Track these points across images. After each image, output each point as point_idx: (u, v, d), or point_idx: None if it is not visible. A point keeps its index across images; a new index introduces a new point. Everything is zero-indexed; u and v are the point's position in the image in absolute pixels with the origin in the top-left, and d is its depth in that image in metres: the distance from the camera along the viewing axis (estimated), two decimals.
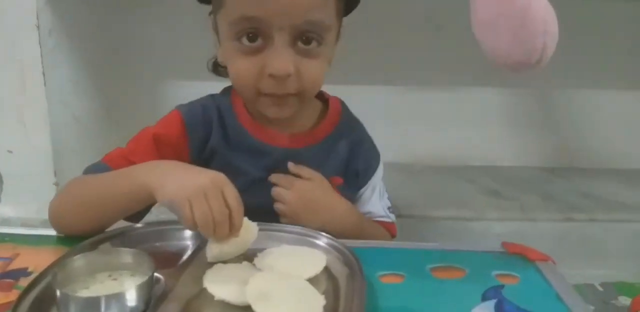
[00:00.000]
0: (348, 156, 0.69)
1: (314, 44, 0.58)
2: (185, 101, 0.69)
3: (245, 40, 0.57)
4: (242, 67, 0.59)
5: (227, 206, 0.49)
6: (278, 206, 0.65)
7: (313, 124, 0.69)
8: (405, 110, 1.32)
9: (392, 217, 0.74)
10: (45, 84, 0.97)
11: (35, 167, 0.99)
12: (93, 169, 0.63)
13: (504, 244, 0.59)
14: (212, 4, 0.62)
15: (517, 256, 0.57)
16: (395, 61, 1.28)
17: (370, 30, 1.26)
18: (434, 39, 1.27)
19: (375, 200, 0.73)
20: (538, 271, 0.55)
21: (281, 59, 0.56)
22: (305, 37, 0.57)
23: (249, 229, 0.52)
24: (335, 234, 0.57)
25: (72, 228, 0.59)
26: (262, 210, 0.62)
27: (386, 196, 0.75)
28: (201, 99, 0.69)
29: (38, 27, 0.95)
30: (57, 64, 1.01)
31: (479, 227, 1.01)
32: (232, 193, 0.50)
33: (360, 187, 0.72)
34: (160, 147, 0.63)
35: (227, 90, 0.69)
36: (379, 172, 0.73)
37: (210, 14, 0.64)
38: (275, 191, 0.65)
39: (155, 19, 1.20)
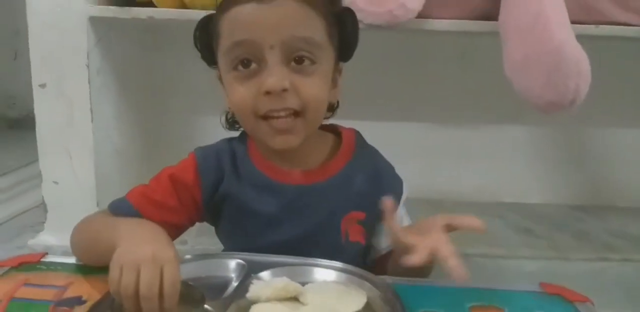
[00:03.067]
0: (370, 189, 0.68)
1: (307, 62, 0.59)
2: (219, 136, 0.71)
3: (240, 68, 0.59)
4: (239, 92, 0.60)
5: (161, 285, 0.48)
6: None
7: (326, 159, 0.68)
8: (433, 147, 1.33)
9: None
10: (92, 120, 1.02)
11: (79, 197, 1.04)
12: (115, 205, 0.66)
13: (542, 284, 0.60)
14: (215, 47, 0.64)
15: (555, 296, 0.58)
16: (424, 98, 1.31)
17: (399, 67, 1.30)
18: (463, 75, 1.29)
19: (408, 221, 0.73)
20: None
21: (274, 75, 0.57)
22: (297, 57, 0.59)
23: (289, 289, 0.53)
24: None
25: (84, 261, 0.62)
26: (279, 248, 0.63)
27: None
28: (218, 143, 0.70)
29: (88, 66, 1.01)
30: (103, 101, 1.06)
31: (512, 265, 1.01)
32: (170, 274, 0.48)
33: None
34: (177, 187, 0.65)
35: (244, 134, 0.70)
36: (404, 196, 0.72)
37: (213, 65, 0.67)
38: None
39: (192, 59, 1.25)
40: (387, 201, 0.56)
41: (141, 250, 0.49)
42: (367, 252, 0.73)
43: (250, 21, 0.58)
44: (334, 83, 0.66)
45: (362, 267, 0.60)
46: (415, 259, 0.51)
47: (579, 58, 0.85)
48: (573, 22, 0.91)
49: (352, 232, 0.68)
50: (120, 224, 0.58)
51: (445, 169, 1.34)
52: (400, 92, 1.31)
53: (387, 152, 0.74)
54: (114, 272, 0.48)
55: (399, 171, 0.74)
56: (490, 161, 1.35)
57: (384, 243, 0.71)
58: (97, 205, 1.03)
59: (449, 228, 0.57)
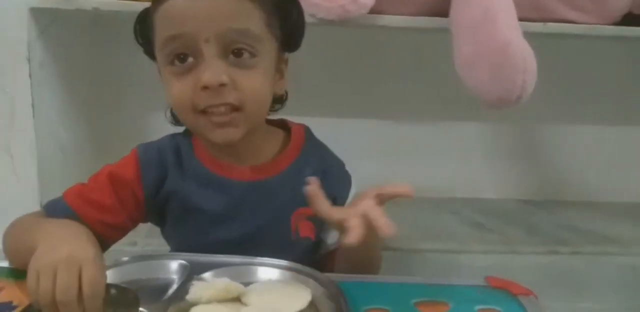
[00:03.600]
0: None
1: (246, 55, 0.57)
2: (171, 132, 0.69)
3: (176, 62, 0.58)
4: (176, 88, 0.58)
5: (80, 288, 0.45)
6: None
7: (275, 155, 0.67)
8: (387, 143, 1.34)
9: None
10: (34, 115, 0.97)
11: (20, 198, 0.99)
12: (51, 205, 0.63)
13: (487, 278, 0.60)
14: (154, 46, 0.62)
15: (500, 290, 0.58)
16: (377, 94, 1.32)
17: (355, 65, 1.30)
18: (416, 72, 1.30)
19: None
20: (520, 305, 0.55)
21: (212, 69, 0.55)
22: (235, 49, 0.57)
23: (230, 290, 0.51)
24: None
25: (14, 264, 0.59)
26: (227, 247, 0.61)
27: None
28: (161, 139, 0.68)
29: (29, 59, 0.97)
30: (46, 96, 1.02)
31: (464, 259, 1.01)
32: (88, 275, 0.45)
33: None
34: (116, 185, 0.63)
35: (189, 130, 0.68)
36: (352, 193, 0.71)
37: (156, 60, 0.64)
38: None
39: (140, 53, 1.23)
40: (311, 180, 0.56)
41: (56, 252, 0.47)
42: (318, 248, 0.72)
43: (184, 14, 0.56)
44: (280, 74, 0.65)
45: (312, 264, 0.59)
46: (352, 233, 0.49)
47: (525, 55, 0.86)
48: (521, 19, 0.92)
49: (302, 228, 0.67)
50: (45, 226, 0.55)
51: (399, 165, 1.34)
52: (353, 89, 1.31)
53: (342, 149, 0.74)
54: (31, 279, 0.46)
55: (353, 167, 0.73)
56: (443, 157, 1.36)
57: (330, 239, 0.71)
58: (40, 205, 0.98)
59: (381, 199, 0.56)
